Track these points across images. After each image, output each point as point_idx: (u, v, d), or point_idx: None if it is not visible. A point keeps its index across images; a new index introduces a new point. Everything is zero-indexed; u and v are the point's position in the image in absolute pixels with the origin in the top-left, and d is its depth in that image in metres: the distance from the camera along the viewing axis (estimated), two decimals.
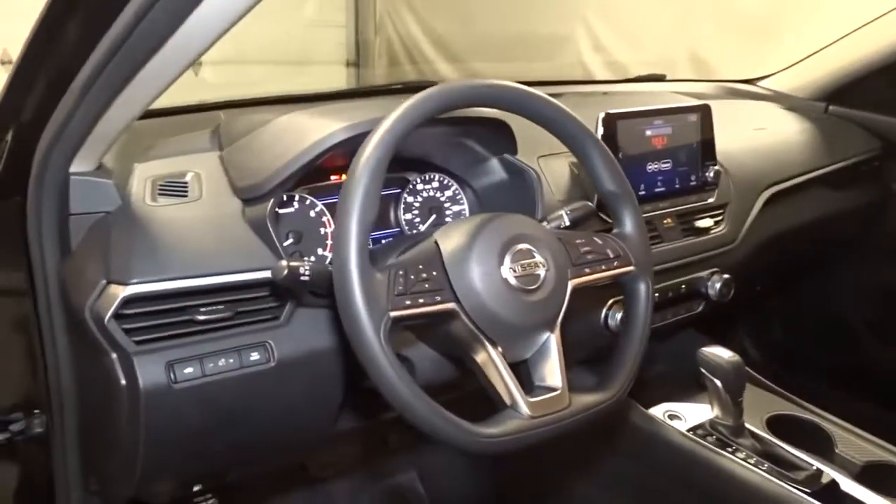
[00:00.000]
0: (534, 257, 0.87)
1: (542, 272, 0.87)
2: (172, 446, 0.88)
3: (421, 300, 0.80)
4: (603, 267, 0.94)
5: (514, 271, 0.85)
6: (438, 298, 0.82)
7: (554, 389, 0.87)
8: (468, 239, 0.86)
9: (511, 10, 3.89)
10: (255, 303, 0.90)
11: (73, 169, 0.88)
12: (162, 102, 1.24)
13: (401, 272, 0.80)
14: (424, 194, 1.19)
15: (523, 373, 0.90)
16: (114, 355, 0.83)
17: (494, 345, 0.85)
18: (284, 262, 0.80)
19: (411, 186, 1.17)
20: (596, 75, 3.25)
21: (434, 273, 0.83)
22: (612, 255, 0.95)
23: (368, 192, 0.78)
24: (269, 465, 1.12)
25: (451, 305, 0.83)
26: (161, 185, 0.96)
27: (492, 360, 0.84)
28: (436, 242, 0.87)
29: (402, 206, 1.17)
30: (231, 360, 0.87)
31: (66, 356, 0.97)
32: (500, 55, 3.91)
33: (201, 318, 0.86)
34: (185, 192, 0.96)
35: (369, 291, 0.76)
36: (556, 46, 3.56)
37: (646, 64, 2.97)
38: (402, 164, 1.17)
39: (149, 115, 1.19)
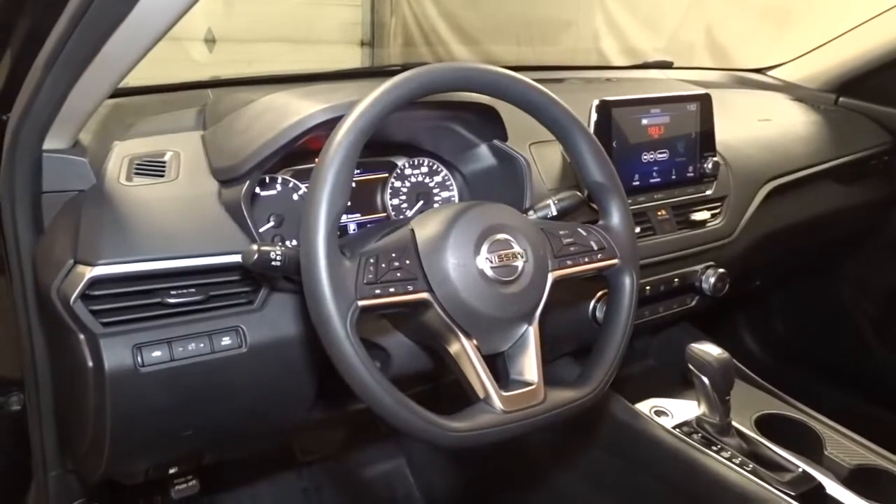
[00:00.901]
0: (512, 248, 0.85)
1: (520, 263, 0.85)
2: (140, 429, 0.87)
3: (392, 289, 0.78)
4: (586, 259, 0.91)
5: (491, 262, 0.83)
6: (411, 288, 0.80)
7: (530, 384, 0.85)
8: (444, 227, 0.83)
9: None
10: (227, 287, 0.89)
11: (46, 146, 0.87)
12: (154, 79, 1.24)
13: (371, 260, 0.78)
14: (413, 179, 1.16)
15: (500, 366, 0.88)
16: (81, 336, 0.82)
17: (469, 336, 0.83)
18: (255, 247, 0.78)
19: (399, 171, 1.15)
20: (612, 61, 3.21)
21: (407, 262, 0.81)
22: (595, 248, 0.92)
23: (338, 179, 0.75)
24: (245, 450, 1.11)
25: (423, 295, 0.81)
26: (138, 165, 0.95)
27: (466, 352, 0.82)
28: (411, 230, 0.85)
29: (390, 190, 1.14)
30: (201, 345, 0.86)
31: (40, 335, 0.96)
32: (516, 38, 3.87)
33: (172, 301, 0.85)
34: (162, 171, 0.94)
35: (337, 279, 0.74)
36: (573, 30, 3.51)
37: (663, 51, 2.92)
38: (390, 148, 1.15)
39: (135, 92, 1.19)
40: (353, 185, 1.09)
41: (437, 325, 0.83)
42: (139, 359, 0.82)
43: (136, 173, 0.93)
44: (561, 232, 0.92)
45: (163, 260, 0.84)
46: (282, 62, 4.08)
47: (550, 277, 0.88)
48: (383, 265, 0.78)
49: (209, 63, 4.01)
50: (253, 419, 0.95)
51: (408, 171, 1.16)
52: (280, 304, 0.92)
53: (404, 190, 1.15)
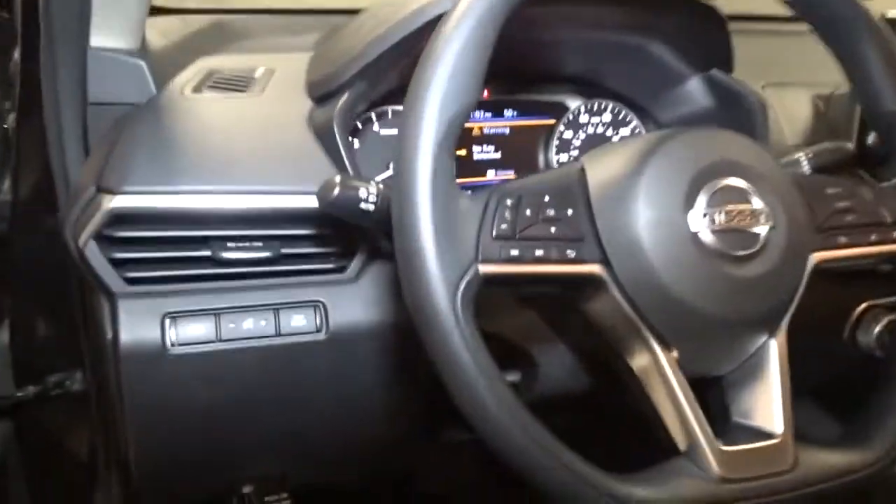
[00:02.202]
0: (749, 202, 0.52)
1: (763, 230, 0.52)
2: (170, 433, 0.63)
3: (539, 252, 0.49)
4: (872, 238, 0.59)
5: (714, 222, 0.51)
6: (572, 254, 0.50)
7: (769, 436, 0.55)
8: (635, 163, 0.53)
9: None
10: (308, 243, 0.63)
11: (94, 42, 0.66)
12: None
13: (509, 201, 0.49)
14: (589, 129, 0.87)
15: (715, 399, 0.59)
16: (101, 294, 0.59)
17: (667, 345, 0.53)
18: (338, 178, 0.52)
19: (571, 116, 0.86)
20: None
21: (569, 211, 0.51)
22: (890, 220, 0.59)
23: (459, 63, 0.47)
24: (334, 476, 0.84)
25: (593, 268, 0.51)
26: (217, 79, 0.72)
27: (659, 371, 0.53)
28: (581, 168, 0.54)
29: (556, 142, 0.86)
30: (263, 323, 0.61)
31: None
32: None
33: (226, 255, 0.60)
34: (245, 87, 0.71)
35: (444, 224, 0.46)
36: None
37: None
38: (560, 84, 0.86)
39: (248, 12, 0.98)
40: (507, 131, 0.85)
41: (612, 321, 0.54)
42: (171, 334, 0.58)
43: (211, 87, 0.70)
44: (829, 190, 0.59)
45: (217, 194, 0.60)
46: None
47: (812, 260, 0.56)
48: (528, 212, 0.49)
49: None
50: (334, 437, 0.68)
51: (583, 118, 0.87)
52: (383, 276, 0.65)
53: (577, 143, 0.87)
